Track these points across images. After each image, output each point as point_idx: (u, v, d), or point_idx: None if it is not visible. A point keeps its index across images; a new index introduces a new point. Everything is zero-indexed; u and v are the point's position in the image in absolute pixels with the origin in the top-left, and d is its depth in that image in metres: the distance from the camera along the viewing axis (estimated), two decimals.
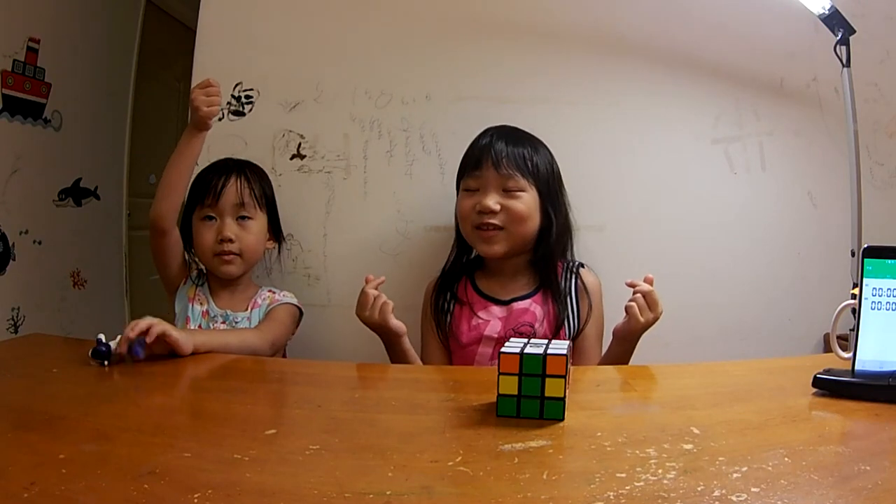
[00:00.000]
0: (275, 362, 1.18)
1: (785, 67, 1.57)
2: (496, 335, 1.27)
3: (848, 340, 0.94)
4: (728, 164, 1.57)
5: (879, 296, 0.80)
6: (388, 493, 0.52)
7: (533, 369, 0.70)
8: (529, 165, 1.28)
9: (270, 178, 1.47)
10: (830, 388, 0.79)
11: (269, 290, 1.39)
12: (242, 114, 1.57)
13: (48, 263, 2.12)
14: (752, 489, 0.52)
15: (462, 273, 1.37)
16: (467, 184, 1.30)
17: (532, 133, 1.36)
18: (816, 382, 0.80)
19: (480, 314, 1.29)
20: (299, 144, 1.57)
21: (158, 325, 0.99)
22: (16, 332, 1.96)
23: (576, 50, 1.56)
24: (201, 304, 1.35)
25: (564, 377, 0.70)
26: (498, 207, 1.24)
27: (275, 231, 1.43)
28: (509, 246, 1.27)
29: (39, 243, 2.08)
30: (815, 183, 1.58)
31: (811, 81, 1.57)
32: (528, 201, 1.26)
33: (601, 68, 1.56)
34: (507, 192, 1.26)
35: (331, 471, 0.57)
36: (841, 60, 1.34)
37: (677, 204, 1.56)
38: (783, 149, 1.58)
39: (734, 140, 1.57)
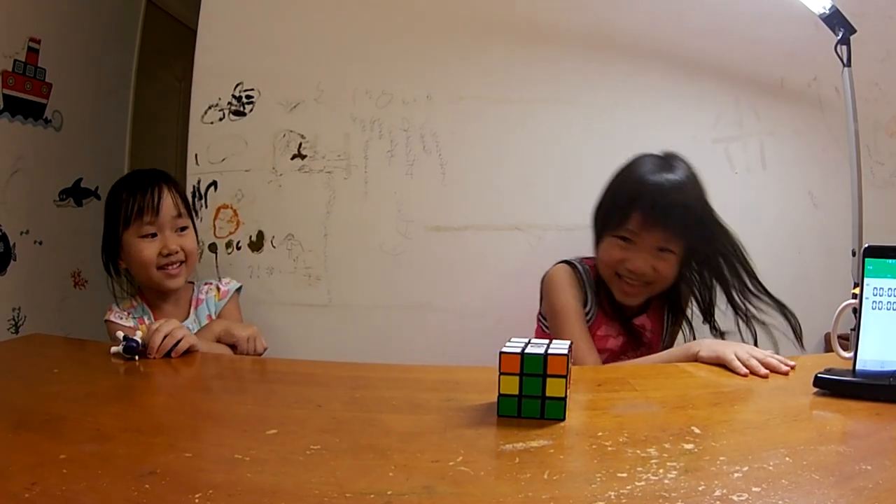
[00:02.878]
0: (275, 362, 1.18)
1: (785, 67, 1.57)
2: (616, 349, 1.30)
3: (849, 340, 0.94)
4: (729, 163, 1.57)
5: (880, 295, 0.79)
6: (388, 493, 0.52)
7: (534, 369, 0.70)
8: (685, 223, 1.20)
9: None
10: (831, 387, 0.79)
11: (207, 283, 1.40)
12: (243, 114, 1.57)
13: (49, 264, 2.12)
14: (754, 489, 0.52)
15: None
16: (620, 233, 1.22)
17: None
18: (817, 382, 0.80)
19: (610, 325, 1.30)
20: (300, 144, 1.57)
21: (184, 342, 1.04)
22: (16, 332, 1.96)
23: (576, 50, 1.56)
24: (140, 318, 1.33)
25: (565, 377, 0.70)
26: (651, 271, 1.21)
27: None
28: (647, 297, 1.28)
29: (40, 243, 2.08)
30: (816, 182, 1.58)
31: (812, 81, 1.57)
32: (675, 262, 1.22)
33: (601, 68, 1.56)
34: (659, 250, 1.21)
35: (331, 471, 0.57)
36: (841, 60, 1.34)
37: None
38: (784, 148, 1.58)
39: (735, 139, 1.57)
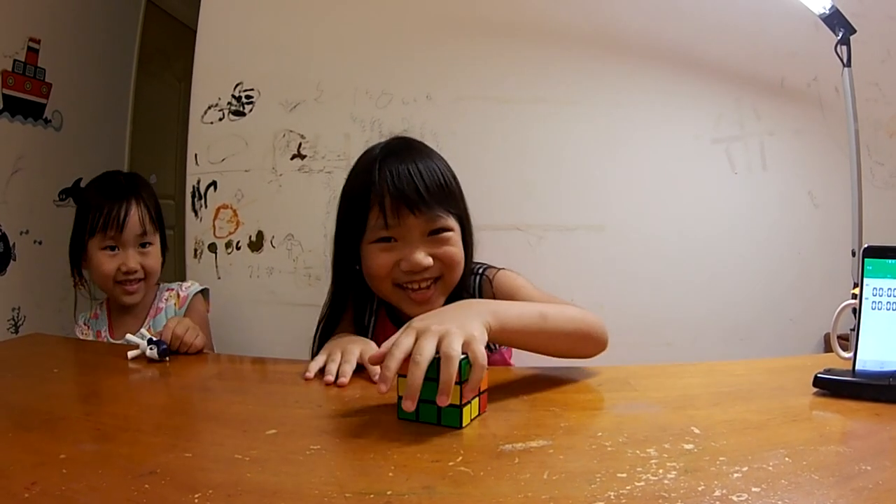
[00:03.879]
0: (275, 362, 1.18)
1: (786, 67, 1.57)
2: None
3: (849, 340, 0.94)
4: (729, 163, 1.57)
5: (880, 296, 0.79)
6: (388, 492, 0.52)
7: (429, 373, 0.66)
8: (447, 193, 1.03)
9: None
10: (831, 387, 0.79)
11: (168, 289, 1.38)
12: (243, 114, 1.57)
13: (49, 263, 2.12)
14: (753, 489, 0.52)
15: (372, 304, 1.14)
16: (377, 233, 1.00)
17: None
18: (817, 382, 0.80)
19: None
20: (300, 144, 1.57)
21: (197, 342, 1.04)
22: (16, 332, 1.96)
23: (576, 50, 1.56)
24: (97, 332, 1.32)
25: (460, 384, 0.66)
26: (431, 261, 0.99)
27: (163, 244, 1.39)
28: (446, 294, 1.04)
29: (40, 243, 2.08)
30: (816, 183, 1.58)
31: (812, 81, 1.57)
32: (457, 240, 1.03)
33: (601, 68, 1.56)
34: (434, 234, 1.00)
35: (331, 470, 0.57)
36: (842, 60, 1.34)
37: (678, 204, 1.56)
38: (784, 148, 1.58)
39: (735, 140, 1.57)
